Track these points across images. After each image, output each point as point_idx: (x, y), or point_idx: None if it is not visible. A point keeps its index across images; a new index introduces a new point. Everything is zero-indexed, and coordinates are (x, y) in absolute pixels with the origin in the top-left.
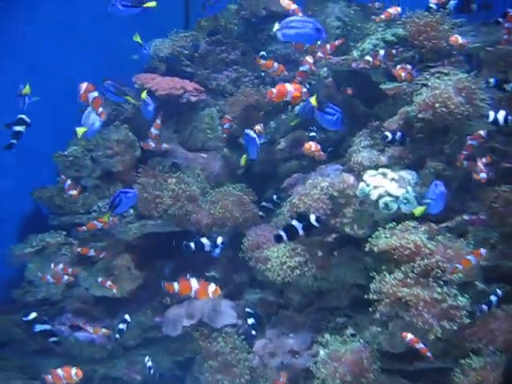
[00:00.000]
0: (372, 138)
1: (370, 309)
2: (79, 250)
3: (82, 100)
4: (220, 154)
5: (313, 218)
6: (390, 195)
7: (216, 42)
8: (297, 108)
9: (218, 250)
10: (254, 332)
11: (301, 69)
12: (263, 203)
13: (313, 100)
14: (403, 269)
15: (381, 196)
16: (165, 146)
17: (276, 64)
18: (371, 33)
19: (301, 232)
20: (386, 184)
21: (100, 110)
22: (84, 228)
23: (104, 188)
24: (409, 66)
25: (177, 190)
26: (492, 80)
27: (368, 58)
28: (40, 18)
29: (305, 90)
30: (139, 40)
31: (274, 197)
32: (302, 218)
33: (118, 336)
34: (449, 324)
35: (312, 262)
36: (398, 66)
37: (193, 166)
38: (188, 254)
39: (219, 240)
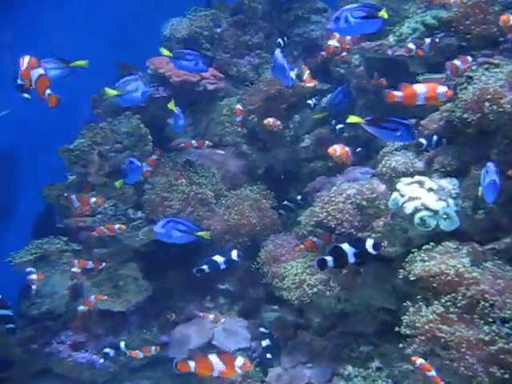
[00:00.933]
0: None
1: (401, 343)
2: (76, 263)
3: (23, 78)
4: (238, 151)
5: (369, 243)
6: (427, 209)
7: (238, 23)
8: (324, 99)
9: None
10: (269, 355)
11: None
12: (285, 202)
13: None
14: (443, 300)
15: (417, 210)
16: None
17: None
18: (410, 15)
19: (351, 259)
20: (422, 195)
21: (48, 92)
22: (95, 233)
23: (112, 187)
24: (469, 58)
25: (187, 193)
26: None
27: (411, 45)
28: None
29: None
30: (174, 108)
31: (298, 197)
32: (356, 242)
33: (102, 360)
34: (499, 371)
35: (335, 280)
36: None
37: (208, 163)
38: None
39: (234, 254)
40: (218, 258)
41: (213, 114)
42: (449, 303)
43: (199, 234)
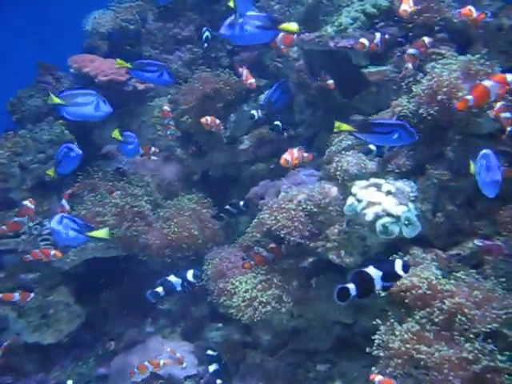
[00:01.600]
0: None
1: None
2: (15, 296)
3: None
4: (172, 156)
5: (398, 264)
6: (389, 215)
7: (165, 15)
8: (261, 97)
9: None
10: (219, 382)
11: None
12: (227, 206)
13: None
14: (417, 317)
15: (378, 216)
16: None
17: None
18: (345, 4)
19: (378, 285)
20: (382, 199)
21: None
22: (29, 257)
23: (37, 202)
24: (426, 38)
25: (121, 206)
26: None
27: (364, 40)
28: None
29: None
30: (118, 137)
31: (241, 203)
32: (382, 264)
33: None
34: None
35: (288, 295)
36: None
37: (141, 171)
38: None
39: (190, 274)
40: (174, 279)
41: (143, 116)
42: (424, 320)
43: (92, 234)
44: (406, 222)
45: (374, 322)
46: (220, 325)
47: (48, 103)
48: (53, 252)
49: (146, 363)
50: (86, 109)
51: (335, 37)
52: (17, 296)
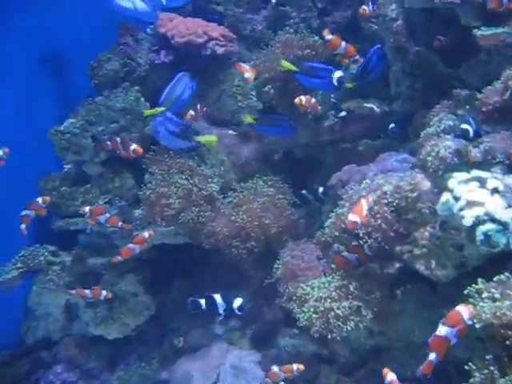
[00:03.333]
0: (458, 115)
1: None
2: (73, 292)
3: None
4: (253, 132)
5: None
6: (493, 220)
7: None
8: (353, 67)
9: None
10: None
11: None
12: (304, 191)
13: None
14: None
15: (479, 221)
16: None
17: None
18: None
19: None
20: (486, 199)
21: None
22: (119, 258)
23: (108, 178)
24: None
25: (188, 188)
26: None
27: None
28: None
29: None
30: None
31: (320, 189)
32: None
33: None
34: None
35: (367, 308)
36: None
37: (216, 148)
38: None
39: (237, 302)
40: (219, 299)
41: (224, 84)
42: None
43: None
44: None
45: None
46: (295, 331)
47: None
48: (146, 235)
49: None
50: None
51: None
52: (88, 293)
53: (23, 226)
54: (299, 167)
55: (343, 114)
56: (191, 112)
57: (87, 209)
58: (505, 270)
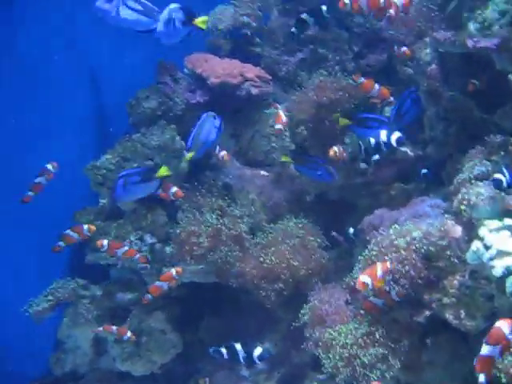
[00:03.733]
0: (492, 162)
1: None
2: (100, 329)
3: None
4: (285, 173)
5: None
6: None
7: (291, 11)
8: (387, 109)
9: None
10: None
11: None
12: (334, 233)
13: None
14: None
15: (509, 271)
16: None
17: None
18: None
19: None
20: None
21: None
22: (149, 297)
23: (141, 214)
24: None
25: (218, 227)
26: None
27: None
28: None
29: None
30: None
31: (351, 230)
32: None
33: None
34: None
35: (395, 356)
36: None
37: (248, 187)
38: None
39: (257, 352)
40: (239, 348)
41: (258, 125)
42: None
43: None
44: None
45: None
46: (322, 377)
47: None
48: (174, 272)
49: None
50: None
51: (475, 35)
52: (114, 330)
53: (61, 244)
54: (332, 209)
55: (376, 157)
56: (223, 152)
57: (105, 242)
58: None
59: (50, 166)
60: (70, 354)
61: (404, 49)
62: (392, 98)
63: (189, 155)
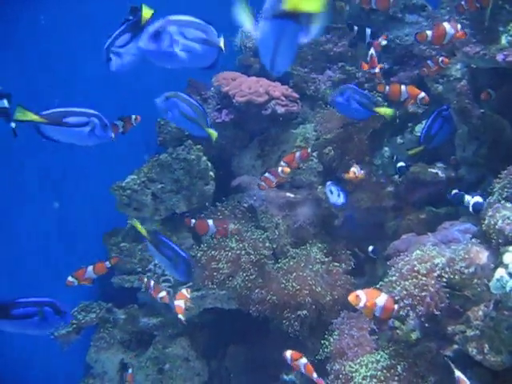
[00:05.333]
0: None
1: None
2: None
3: None
4: (311, 195)
5: None
6: None
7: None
8: (418, 128)
9: None
10: None
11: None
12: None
13: None
14: None
15: None
16: None
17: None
18: None
19: None
20: None
21: None
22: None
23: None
24: None
25: (237, 252)
26: None
27: None
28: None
29: None
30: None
31: (370, 248)
32: None
33: None
34: None
35: None
36: None
37: (272, 210)
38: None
39: None
40: None
41: (285, 144)
42: None
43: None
44: None
45: None
46: None
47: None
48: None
49: None
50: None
51: (506, 49)
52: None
53: (73, 281)
54: (360, 233)
55: (401, 164)
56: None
57: (152, 283)
58: None
59: (133, 117)
60: (98, 379)
61: (441, 58)
62: (424, 94)
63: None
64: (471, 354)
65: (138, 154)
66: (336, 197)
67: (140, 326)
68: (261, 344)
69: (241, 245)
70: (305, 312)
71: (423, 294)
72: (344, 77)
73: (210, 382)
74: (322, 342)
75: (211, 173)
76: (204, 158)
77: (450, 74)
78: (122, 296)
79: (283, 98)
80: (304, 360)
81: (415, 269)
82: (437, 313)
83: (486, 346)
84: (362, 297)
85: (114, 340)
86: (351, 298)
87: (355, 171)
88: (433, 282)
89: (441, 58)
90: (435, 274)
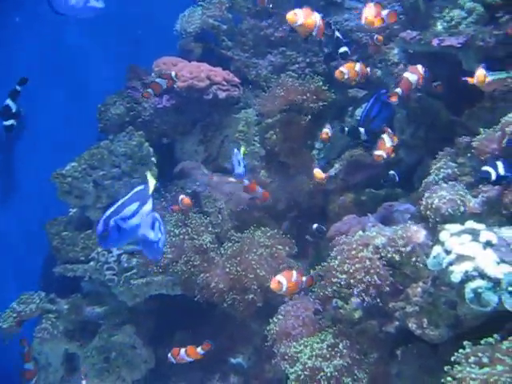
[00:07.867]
0: (459, 163)
1: None
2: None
3: None
4: (256, 179)
5: None
6: (483, 276)
7: (262, 13)
8: (358, 111)
9: None
10: None
11: None
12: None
13: None
14: None
15: (468, 277)
16: None
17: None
18: None
19: None
20: (477, 253)
21: None
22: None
23: None
24: None
25: (180, 238)
26: None
27: None
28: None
29: None
30: None
31: (314, 226)
32: None
33: None
34: None
35: (361, 368)
36: None
37: (215, 195)
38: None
39: None
40: None
41: (227, 129)
42: None
43: None
44: (510, 289)
45: None
46: None
47: None
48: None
49: None
50: None
51: (441, 34)
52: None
53: None
54: (304, 217)
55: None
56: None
57: (182, 351)
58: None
59: (173, 74)
60: (43, 371)
61: (376, 36)
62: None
63: None
64: (411, 329)
65: (79, 142)
66: (242, 168)
67: (84, 316)
68: (208, 329)
69: (184, 230)
70: (251, 296)
71: (365, 274)
72: (285, 61)
73: (158, 369)
74: (268, 324)
75: (153, 158)
76: (146, 144)
77: (388, 58)
78: (64, 286)
79: (224, 83)
80: None
81: (357, 250)
82: (381, 291)
83: (425, 320)
84: (282, 281)
85: (58, 331)
86: (273, 285)
87: (327, 131)
88: (378, 263)
89: (375, 36)
90: (377, 256)
